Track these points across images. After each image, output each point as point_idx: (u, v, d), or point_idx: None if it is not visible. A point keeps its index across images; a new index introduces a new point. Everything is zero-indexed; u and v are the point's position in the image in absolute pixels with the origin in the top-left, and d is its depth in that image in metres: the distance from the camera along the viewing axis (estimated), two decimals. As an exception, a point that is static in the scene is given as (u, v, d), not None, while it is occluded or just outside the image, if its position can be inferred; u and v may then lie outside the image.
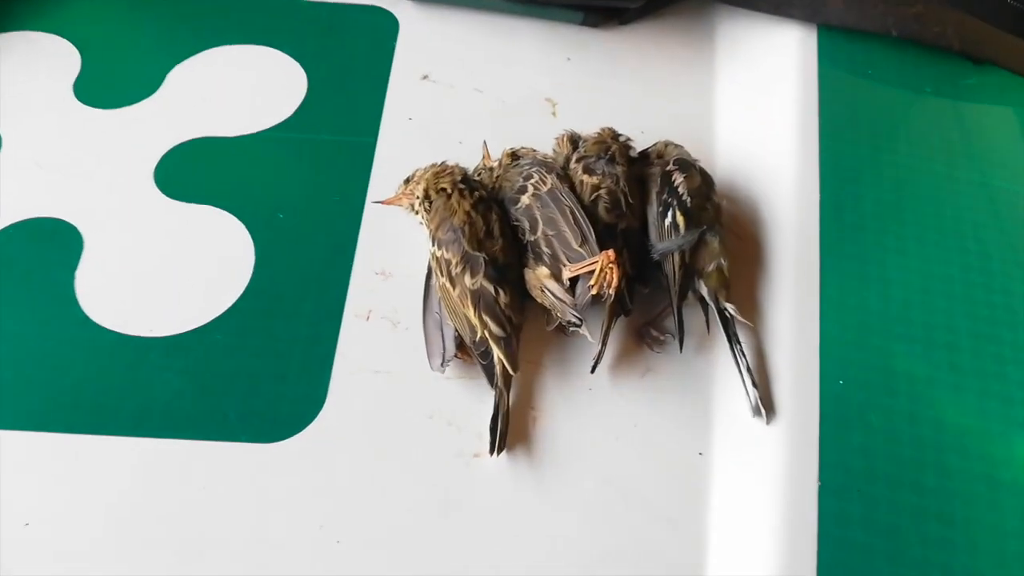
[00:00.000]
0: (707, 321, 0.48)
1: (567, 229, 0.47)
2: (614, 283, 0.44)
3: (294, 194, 0.54)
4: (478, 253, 0.46)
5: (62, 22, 0.63)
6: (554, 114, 0.61)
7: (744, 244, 0.52)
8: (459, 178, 0.49)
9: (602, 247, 0.46)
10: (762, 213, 0.54)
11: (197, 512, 0.42)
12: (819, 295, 0.49)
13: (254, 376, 0.46)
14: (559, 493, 0.43)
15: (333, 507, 0.42)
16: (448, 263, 0.47)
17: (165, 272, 0.50)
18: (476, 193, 0.49)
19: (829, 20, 0.62)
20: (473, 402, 0.46)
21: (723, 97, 0.62)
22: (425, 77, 0.62)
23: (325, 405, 0.45)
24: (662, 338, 0.48)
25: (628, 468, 0.44)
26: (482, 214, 0.48)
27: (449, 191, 0.49)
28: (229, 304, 0.49)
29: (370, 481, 0.43)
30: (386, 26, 0.65)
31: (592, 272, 0.45)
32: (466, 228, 0.47)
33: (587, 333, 0.44)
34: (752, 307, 0.49)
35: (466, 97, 0.61)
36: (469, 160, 0.54)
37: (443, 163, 0.51)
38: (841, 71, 0.61)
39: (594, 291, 0.44)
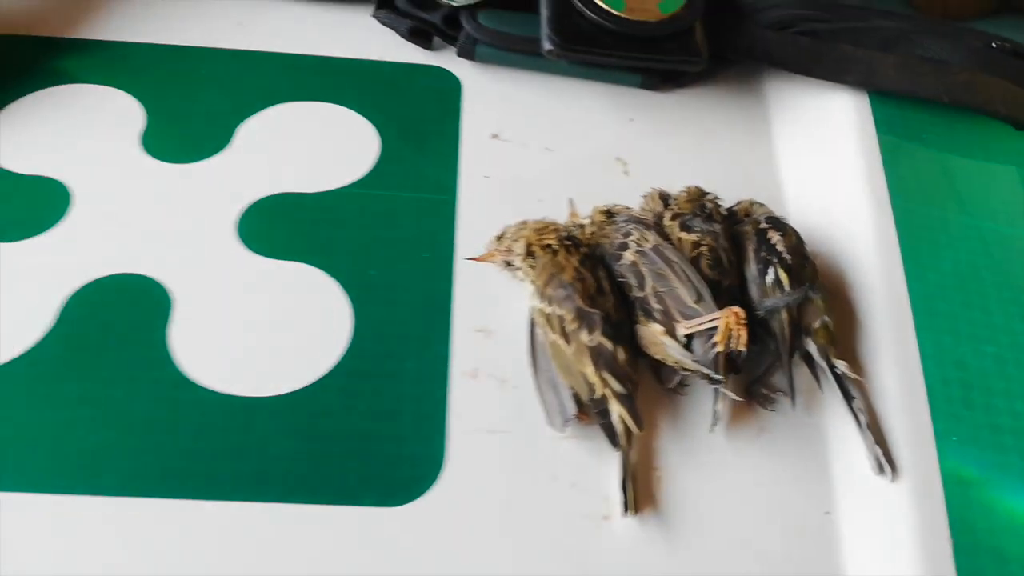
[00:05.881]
0: (817, 379, 0.48)
1: (679, 286, 0.47)
2: (744, 341, 0.43)
3: (382, 251, 0.53)
4: (593, 310, 0.46)
5: (120, 75, 0.62)
6: (626, 173, 0.61)
7: (835, 301, 0.52)
8: (564, 235, 0.49)
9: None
10: (846, 272, 0.54)
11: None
12: (919, 351, 0.49)
13: (368, 438, 0.44)
14: (693, 554, 0.42)
15: (464, 570, 0.40)
16: (561, 319, 0.46)
17: (262, 329, 0.48)
18: (582, 250, 0.49)
19: (882, 86, 0.65)
20: (594, 462, 0.45)
21: (785, 158, 0.64)
22: (495, 136, 0.62)
23: (445, 466, 0.44)
24: (773, 396, 0.48)
25: (757, 528, 0.43)
26: (590, 270, 0.48)
27: (556, 247, 0.48)
28: (333, 363, 0.47)
29: (500, 543, 0.41)
30: (450, 86, 0.66)
31: (711, 330, 0.45)
32: (577, 284, 0.47)
33: (727, 390, 0.44)
34: (854, 363, 0.49)
35: (538, 156, 0.62)
36: (551, 217, 0.54)
37: (543, 220, 0.51)
38: (897, 136, 0.63)
39: (720, 348, 0.44)
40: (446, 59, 0.68)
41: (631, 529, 0.42)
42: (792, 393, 0.47)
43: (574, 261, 0.48)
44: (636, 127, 0.65)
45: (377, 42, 0.68)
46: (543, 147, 0.62)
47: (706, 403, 0.47)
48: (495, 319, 0.50)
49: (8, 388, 0.44)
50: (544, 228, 0.50)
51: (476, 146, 0.61)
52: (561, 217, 0.54)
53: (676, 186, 0.56)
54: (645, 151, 0.63)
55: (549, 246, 0.49)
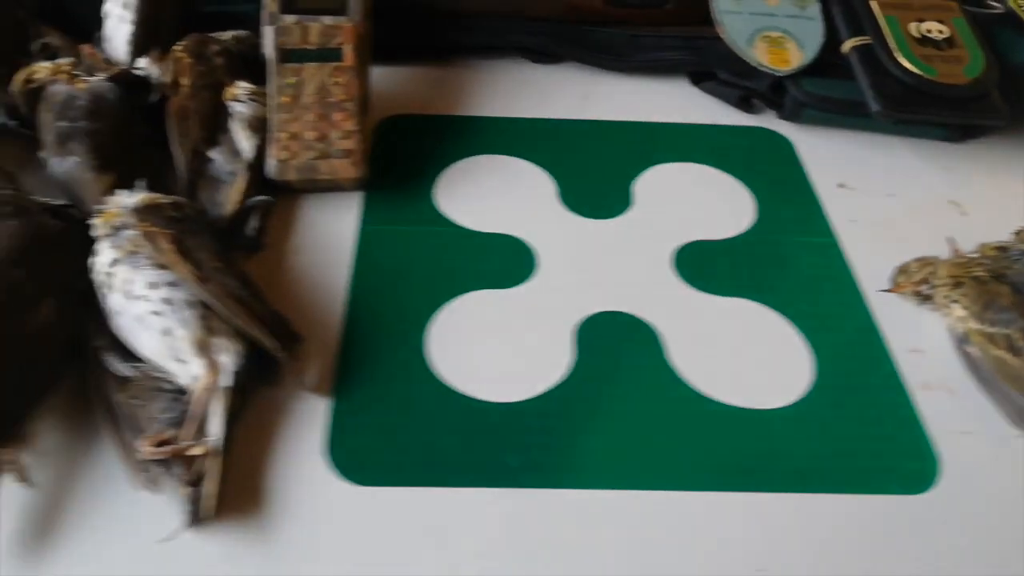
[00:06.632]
0: None
1: (1102, 307, 0.55)
2: None
3: (801, 285, 0.62)
4: (1036, 328, 0.55)
5: (514, 144, 0.73)
6: (963, 213, 0.70)
7: None
8: (990, 267, 0.58)
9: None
10: None
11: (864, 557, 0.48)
12: None
13: (865, 439, 0.53)
14: None
15: (986, 544, 0.48)
16: (1007, 337, 0.54)
17: (741, 354, 0.57)
18: (1004, 279, 0.58)
19: None
20: (1053, 455, 0.53)
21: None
22: (841, 185, 0.72)
23: (941, 462, 0.52)
24: None
25: None
26: (1020, 296, 0.56)
27: (984, 278, 0.57)
28: (810, 381, 0.56)
29: (1010, 519, 0.49)
30: (783, 144, 0.76)
31: None
32: (1015, 308, 0.55)
33: None
34: None
35: (884, 201, 0.71)
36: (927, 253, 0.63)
37: (958, 254, 0.60)
38: None
39: None
40: (764, 120, 0.78)
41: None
42: None
43: (1005, 289, 0.57)
44: (953, 174, 0.74)
45: (700, 107, 0.79)
46: (884, 193, 0.72)
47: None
48: (919, 340, 0.59)
49: (561, 404, 0.53)
50: (966, 262, 0.59)
51: (829, 195, 0.71)
52: (927, 251, 0.63)
53: (1008, 224, 0.65)
54: (969, 194, 0.72)
55: (978, 277, 0.57)
